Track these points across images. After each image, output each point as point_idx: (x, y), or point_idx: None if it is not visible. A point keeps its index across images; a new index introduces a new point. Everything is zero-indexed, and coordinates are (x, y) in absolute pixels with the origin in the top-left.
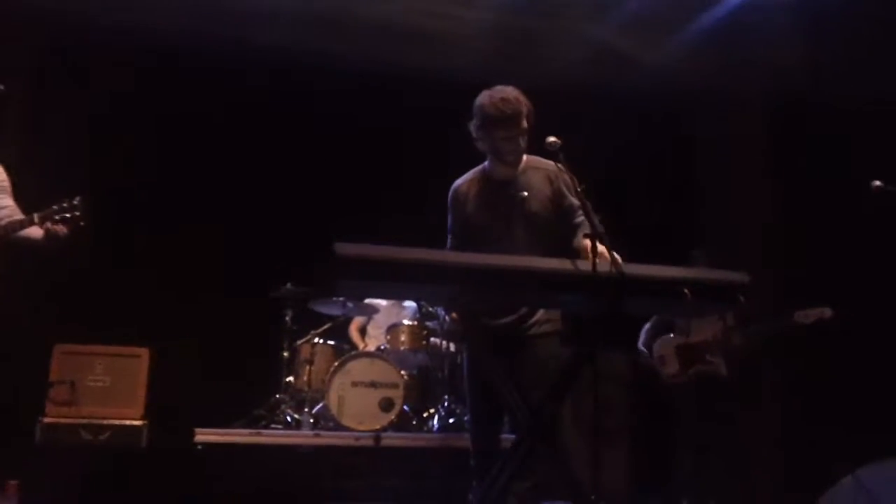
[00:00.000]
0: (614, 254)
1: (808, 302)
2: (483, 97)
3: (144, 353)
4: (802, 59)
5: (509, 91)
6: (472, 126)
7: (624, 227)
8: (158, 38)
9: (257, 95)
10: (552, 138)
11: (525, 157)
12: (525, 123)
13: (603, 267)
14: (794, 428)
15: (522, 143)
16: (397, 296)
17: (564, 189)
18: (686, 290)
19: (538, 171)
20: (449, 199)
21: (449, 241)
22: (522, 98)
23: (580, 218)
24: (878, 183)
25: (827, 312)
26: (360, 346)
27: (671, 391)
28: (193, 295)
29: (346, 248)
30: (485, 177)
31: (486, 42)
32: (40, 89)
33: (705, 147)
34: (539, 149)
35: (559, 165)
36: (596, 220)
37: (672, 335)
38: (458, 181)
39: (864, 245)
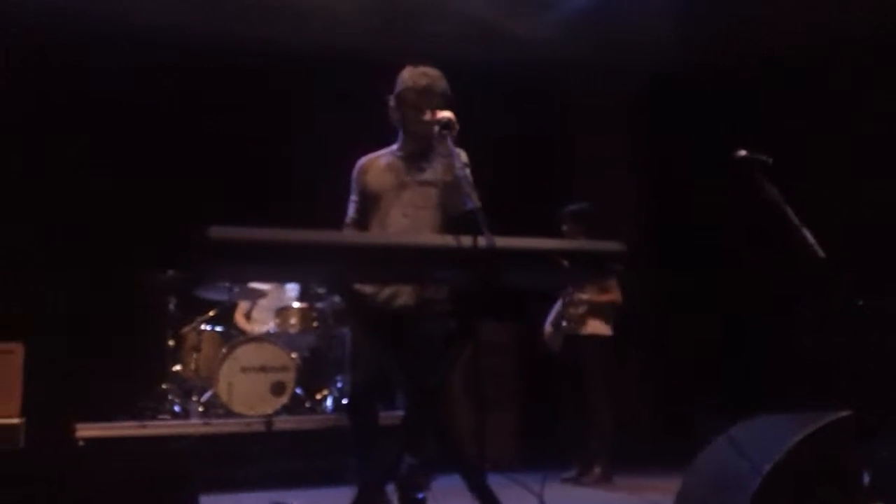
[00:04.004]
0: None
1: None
2: (405, 69)
3: (18, 348)
4: (671, 32)
5: (432, 69)
6: (391, 97)
7: (502, 201)
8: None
9: (129, 74)
10: (442, 114)
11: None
12: (438, 101)
13: (483, 242)
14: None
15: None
16: (278, 278)
17: (455, 163)
18: (564, 261)
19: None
20: (353, 173)
21: (350, 210)
22: (444, 80)
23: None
24: (742, 152)
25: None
26: (247, 329)
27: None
28: (69, 286)
29: (221, 232)
30: (390, 152)
31: (363, 18)
32: None
33: (580, 119)
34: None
35: (446, 136)
36: (475, 195)
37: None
38: (364, 157)
39: (729, 211)
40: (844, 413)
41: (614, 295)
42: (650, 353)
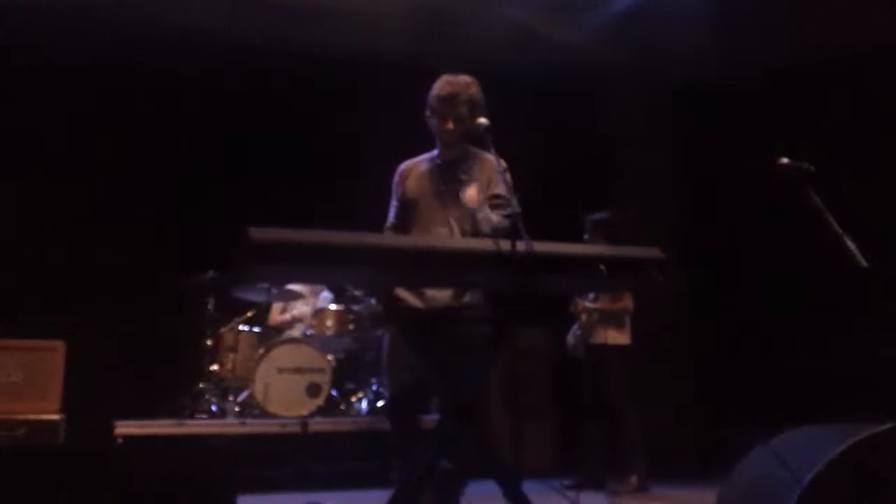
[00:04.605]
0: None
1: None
2: (439, 78)
3: (60, 346)
4: (710, 40)
5: (462, 77)
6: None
7: (540, 206)
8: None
9: (170, 76)
10: (482, 119)
11: (472, 147)
12: (463, 109)
13: (522, 247)
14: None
15: (457, 125)
16: (317, 280)
17: (497, 175)
18: (602, 266)
19: (482, 160)
20: (394, 178)
21: (390, 214)
22: (473, 88)
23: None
24: (785, 160)
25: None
26: (282, 321)
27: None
28: (110, 286)
29: (260, 233)
30: (430, 159)
31: (404, 23)
32: None
33: (618, 126)
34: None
35: (491, 150)
36: (513, 200)
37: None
38: (405, 162)
39: (766, 219)
40: (887, 425)
41: (626, 303)
42: (685, 362)
